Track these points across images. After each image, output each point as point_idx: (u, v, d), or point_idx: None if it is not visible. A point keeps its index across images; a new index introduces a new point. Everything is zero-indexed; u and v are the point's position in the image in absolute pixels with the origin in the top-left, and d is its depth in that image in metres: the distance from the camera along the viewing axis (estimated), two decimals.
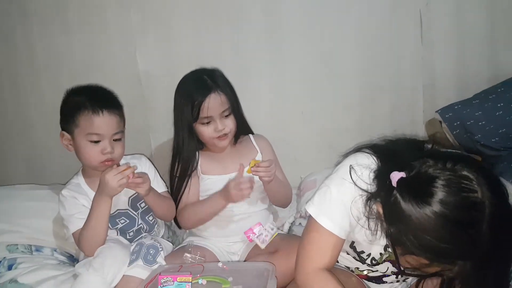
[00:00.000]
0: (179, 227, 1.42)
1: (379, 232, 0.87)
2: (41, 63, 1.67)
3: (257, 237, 1.23)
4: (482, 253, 0.72)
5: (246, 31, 1.63)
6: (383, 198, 0.81)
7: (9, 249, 1.26)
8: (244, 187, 1.21)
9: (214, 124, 1.29)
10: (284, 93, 1.68)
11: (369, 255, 1.00)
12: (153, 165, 1.40)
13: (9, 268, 1.18)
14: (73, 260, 1.30)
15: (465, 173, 0.74)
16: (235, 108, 1.33)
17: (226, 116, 1.30)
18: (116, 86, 1.59)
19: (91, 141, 1.18)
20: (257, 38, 1.64)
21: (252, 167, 1.24)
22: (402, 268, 0.84)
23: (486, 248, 0.71)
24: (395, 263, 1.00)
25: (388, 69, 1.67)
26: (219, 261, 1.20)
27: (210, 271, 1.09)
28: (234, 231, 1.33)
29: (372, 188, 0.87)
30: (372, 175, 0.88)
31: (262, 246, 1.21)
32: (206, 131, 1.30)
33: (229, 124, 1.31)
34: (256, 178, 1.27)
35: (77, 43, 1.65)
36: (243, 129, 1.41)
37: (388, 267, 1.02)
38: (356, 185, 0.88)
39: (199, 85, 1.30)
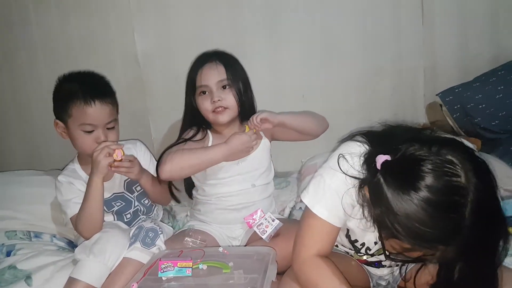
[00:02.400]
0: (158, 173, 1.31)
1: (371, 221, 0.86)
2: (38, 45, 1.64)
3: (256, 226, 1.23)
4: (464, 239, 0.71)
5: (245, 12, 1.60)
6: (369, 180, 0.81)
7: (7, 235, 1.26)
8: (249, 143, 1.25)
9: (211, 95, 1.27)
10: (284, 76, 1.66)
11: (363, 244, 1.00)
12: (149, 150, 1.39)
13: (8, 254, 1.18)
14: (72, 246, 1.30)
15: (449, 157, 0.73)
16: (237, 85, 1.29)
17: (224, 88, 1.28)
18: (114, 68, 1.58)
19: (85, 131, 1.19)
20: (256, 19, 1.61)
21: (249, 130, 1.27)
22: (387, 253, 0.84)
23: (468, 234, 0.71)
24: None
25: (389, 51, 1.65)
26: (220, 246, 1.20)
27: (211, 256, 1.08)
28: (236, 219, 1.32)
29: (363, 174, 0.87)
30: (361, 161, 0.88)
31: (265, 239, 1.20)
32: (203, 103, 1.29)
33: (227, 98, 1.28)
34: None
35: (73, 24, 1.61)
36: (250, 113, 1.37)
37: None
38: (347, 174, 0.88)
39: (199, 57, 1.33)
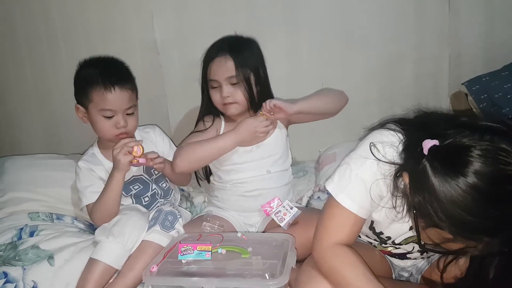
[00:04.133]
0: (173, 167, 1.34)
1: (403, 211, 0.83)
2: (59, 32, 1.65)
3: (274, 213, 1.22)
4: None
5: None
6: (411, 166, 0.77)
7: (30, 216, 1.28)
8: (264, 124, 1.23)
9: (221, 89, 1.27)
10: (302, 63, 1.63)
11: (388, 237, 0.98)
12: (166, 134, 1.41)
13: (31, 234, 1.20)
14: (92, 228, 1.31)
15: (503, 145, 0.69)
16: (247, 80, 1.27)
17: (233, 84, 1.26)
18: (133, 54, 1.58)
19: (105, 116, 1.20)
20: (274, 5, 1.58)
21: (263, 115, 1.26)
22: (422, 243, 0.81)
23: None
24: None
25: (412, 38, 1.60)
26: (238, 231, 1.19)
27: (230, 241, 1.08)
28: (253, 207, 1.32)
29: (397, 163, 0.83)
30: (396, 151, 0.84)
31: (283, 226, 1.19)
32: (214, 96, 1.29)
33: (235, 94, 1.27)
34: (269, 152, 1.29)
35: (93, 11, 1.62)
36: (265, 99, 1.37)
37: (414, 247, 0.99)
38: (381, 160, 0.84)
39: (212, 47, 1.30)
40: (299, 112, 1.27)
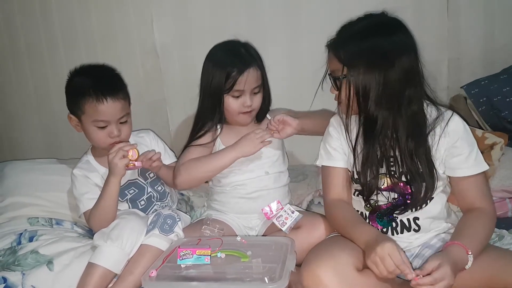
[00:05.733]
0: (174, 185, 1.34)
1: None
2: (59, 35, 1.66)
3: (276, 218, 1.22)
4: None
5: (264, 0, 1.58)
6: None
7: (30, 221, 1.28)
8: (260, 135, 1.23)
9: (243, 98, 1.27)
10: (302, 65, 1.64)
11: (353, 173, 1.11)
12: (161, 139, 1.41)
13: (30, 240, 1.20)
14: (92, 233, 1.30)
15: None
16: (266, 87, 1.32)
17: (256, 93, 1.29)
18: (133, 58, 1.59)
19: (98, 127, 1.20)
20: (275, 7, 1.59)
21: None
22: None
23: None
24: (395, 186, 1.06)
25: None
26: (238, 235, 1.19)
27: (229, 245, 1.08)
28: (253, 209, 1.32)
29: None
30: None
31: (285, 231, 1.19)
32: (234, 104, 1.28)
33: (257, 102, 1.30)
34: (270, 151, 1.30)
35: (93, 14, 1.63)
36: (268, 107, 1.39)
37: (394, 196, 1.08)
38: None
39: (238, 57, 1.27)
40: (301, 129, 1.29)
